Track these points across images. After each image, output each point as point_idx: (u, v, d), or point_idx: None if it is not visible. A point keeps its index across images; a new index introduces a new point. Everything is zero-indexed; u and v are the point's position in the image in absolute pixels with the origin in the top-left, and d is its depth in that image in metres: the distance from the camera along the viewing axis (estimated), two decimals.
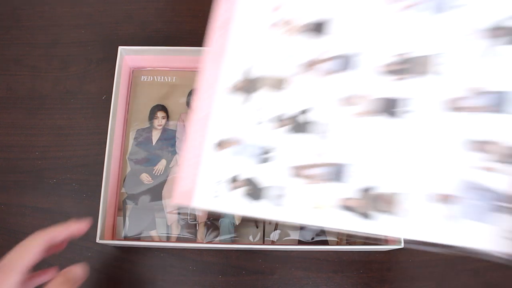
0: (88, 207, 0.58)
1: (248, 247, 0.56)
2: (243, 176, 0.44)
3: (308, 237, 0.56)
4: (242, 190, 0.44)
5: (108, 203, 0.54)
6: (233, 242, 0.56)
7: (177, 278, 0.57)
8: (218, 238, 0.56)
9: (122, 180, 0.58)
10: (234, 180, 0.44)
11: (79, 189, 0.60)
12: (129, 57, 0.60)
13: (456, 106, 0.39)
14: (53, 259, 0.56)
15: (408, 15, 0.41)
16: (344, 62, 0.42)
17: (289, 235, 0.56)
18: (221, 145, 0.45)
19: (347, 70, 0.42)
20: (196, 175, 0.44)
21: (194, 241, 0.56)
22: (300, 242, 0.56)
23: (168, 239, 0.56)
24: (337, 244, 0.56)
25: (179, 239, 0.56)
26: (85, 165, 0.60)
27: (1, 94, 0.64)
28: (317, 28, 0.44)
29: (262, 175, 0.43)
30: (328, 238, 0.56)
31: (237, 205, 0.44)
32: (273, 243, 0.56)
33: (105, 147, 0.55)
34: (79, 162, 0.61)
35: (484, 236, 0.38)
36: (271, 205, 0.43)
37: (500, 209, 0.38)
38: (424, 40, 0.41)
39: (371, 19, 0.42)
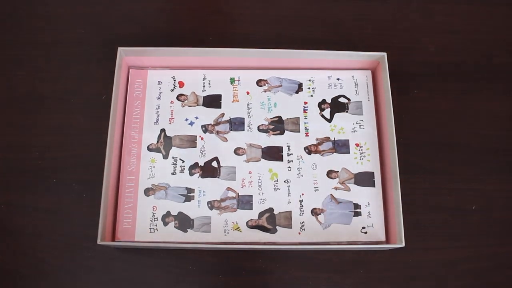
0: (88, 207, 0.58)
1: (248, 247, 0.56)
2: (173, 212, 0.56)
3: None
4: (173, 224, 0.56)
5: (108, 203, 0.54)
6: (233, 242, 0.56)
7: (177, 278, 0.57)
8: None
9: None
10: (165, 216, 0.56)
11: (79, 189, 0.60)
12: (128, 57, 0.60)
13: (312, 150, 0.59)
14: (54, 259, 0.57)
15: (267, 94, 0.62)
16: (234, 125, 0.60)
17: None
18: (151, 190, 0.57)
19: (237, 130, 0.60)
20: (135, 215, 0.56)
21: (194, 241, 0.56)
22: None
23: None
24: None
25: None
26: (85, 165, 0.60)
27: (1, 94, 0.64)
28: (212, 101, 0.61)
29: (188, 210, 0.56)
30: None
31: (170, 236, 0.55)
32: (273, 243, 0.56)
33: (105, 147, 0.55)
34: (79, 162, 0.61)
35: (347, 232, 0.56)
36: (198, 233, 0.55)
37: (353, 214, 0.57)
38: (282, 108, 0.61)
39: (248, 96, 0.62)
